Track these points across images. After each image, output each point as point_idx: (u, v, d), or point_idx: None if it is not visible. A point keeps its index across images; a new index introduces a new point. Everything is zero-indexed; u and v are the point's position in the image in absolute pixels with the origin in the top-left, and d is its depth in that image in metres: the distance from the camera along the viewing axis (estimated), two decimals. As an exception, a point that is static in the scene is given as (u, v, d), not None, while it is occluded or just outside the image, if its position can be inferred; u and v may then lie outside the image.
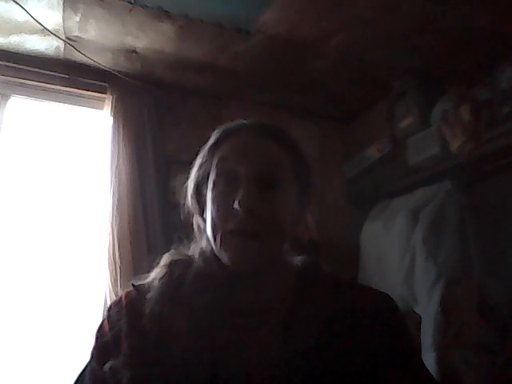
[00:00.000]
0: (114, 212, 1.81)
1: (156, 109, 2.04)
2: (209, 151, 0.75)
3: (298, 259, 0.77)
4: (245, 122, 0.76)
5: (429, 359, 1.54)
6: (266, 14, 1.63)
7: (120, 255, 1.75)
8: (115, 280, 1.72)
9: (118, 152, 1.89)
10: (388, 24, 1.66)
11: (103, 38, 1.79)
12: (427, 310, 1.65)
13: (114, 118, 1.94)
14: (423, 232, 1.74)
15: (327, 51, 1.85)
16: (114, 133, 1.92)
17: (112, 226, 1.80)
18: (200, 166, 0.75)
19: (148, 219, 1.85)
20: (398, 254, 1.85)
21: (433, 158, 1.82)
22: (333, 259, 1.92)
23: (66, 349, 1.75)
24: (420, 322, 1.68)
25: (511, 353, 1.51)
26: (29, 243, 1.89)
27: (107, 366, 0.62)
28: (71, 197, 1.99)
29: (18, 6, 1.59)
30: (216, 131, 0.76)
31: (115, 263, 1.75)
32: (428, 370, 0.70)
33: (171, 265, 0.73)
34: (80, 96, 2.02)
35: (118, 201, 1.82)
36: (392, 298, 0.73)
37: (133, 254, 1.73)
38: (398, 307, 0.72)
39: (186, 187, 0.77)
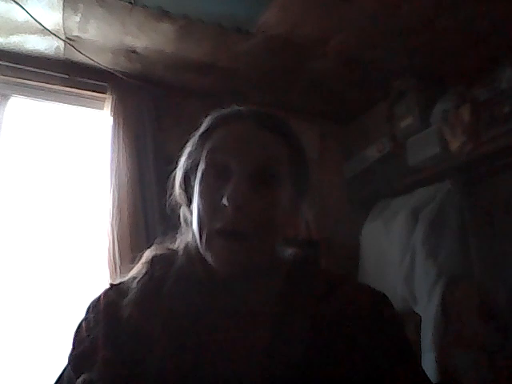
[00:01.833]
0: (114, 212, 1.81)
1: (156, 109, 2.04)
2: (199, 139, 0.69)
3: (289, 253, 0.72)
4: (240, 108, 0.70)
5: (429, 359, 1.55)
6: (266, 14, 1.63)
7: (120, 255, 1.75)
8: (115, 280, 1.72)
9: (118, 152, 1.89)
10: (388, 24, 1.66)
11: (103, 38, 1.79)
12: (427, 310, 1.65)
13: (114, 117, 1.94)
14: (423, 232, 1.74)
15: (327, 51, 1.85)
16: (113, 133, 1.92)
17: (112, 225, 1.79)
18: (189, 155, 0.70)
19: (148, 219, 1.85)
20: (398, 254, 1.85)
21: (433, 158, 1.82)
22: (333, 259, 1.93)
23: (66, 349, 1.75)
24: (420, 322, 1.68)
25: (511, 353, 1.51)
26: (29, 243, 1.89)
27: (81, 379, 0.59)
28: (71, 197, 1.99)
29: (18, 6, 1.59)
30: (208, 117, 0.71)
31: (115, 263, 1.75)
32: (423, 371, 0.67)
33: (152, 262, 0.68)
34: (80, 96, 2.02)
35: (117, 201, 1.82)
36: (387, 297, 0.69)
37: (133, 253, 1.72)
38: (393, 306, 0.68)
39: (174, 176, 0.72)
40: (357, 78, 2.04)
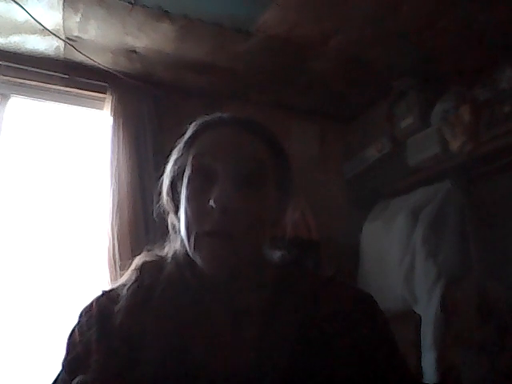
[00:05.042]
0: (114, 212, 1.81)
1: (156, 109, 2.04)
2: (185, 145, 0.71)
3: (277, 256, 0.74)
4: (223, 115, 0.72)
5: (429, 359, 1.55)
6: (266, 14, 1.63)
7: (120, 255, 1.75)
8: (115, 280, 1.72)
9: (118, 152, 1.89)
10: (388, 24, 1.66)
11: (103, 38, 1.79)
12: (427, 310, 1.65)
13: (114, 117, 1.94)
14: (423, 232, 1.74)
15: (327, 51, 1.85)
16: (113, 133, 1.92)
17: (112, 225, 1.80)
18: (175, 161, 0.71)
19: (148, 219, 1.84)
20: (397, 254, 1.85)
21: (433, 158, 1.82)
22: (333, 259, 1.93)
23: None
24: (420, 322, 1.68)
25: (511, 353, 1.51)
26: (29, 243, 1.89)
27: (75, 381, 0.60)
28: (71, 197, 1.99)
29: (18, 6, 1.59)
30: (193, 124, 0.72)
31: (115, 263, 1.75)
32: (409, 369, 0.69)
33: (142, 269, 0.70)
34: (80, 96, 2.02)
35: (117, 201, 1.82)
36: (372, 297, 0.70)
37: (133, 253, 1.72)
38: (378, 306, 0.70)
39: (161, 184, 0.74)
40: (357, 77, 2.04)
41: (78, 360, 0.63)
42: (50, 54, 1.91)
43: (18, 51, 1.88)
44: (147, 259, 0.72)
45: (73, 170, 2.02)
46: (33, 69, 1.91)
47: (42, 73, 1.93)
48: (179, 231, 0.69)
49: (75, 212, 1.98)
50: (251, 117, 0.72)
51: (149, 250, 0.75)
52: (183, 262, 0.68)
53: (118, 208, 1.82)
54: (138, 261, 0.72)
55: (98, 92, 2.00)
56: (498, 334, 1.54)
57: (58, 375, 0.66)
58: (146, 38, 1.79)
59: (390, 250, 1.91)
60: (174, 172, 0.72)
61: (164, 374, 0.59)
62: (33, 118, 2.04)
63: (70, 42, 1.81)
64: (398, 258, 1.84)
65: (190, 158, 0.68)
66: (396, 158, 2.03)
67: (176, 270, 0.68)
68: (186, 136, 0.72)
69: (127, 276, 0.70)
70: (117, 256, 1.75)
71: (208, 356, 0.62)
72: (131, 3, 1.58)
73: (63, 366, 0.65)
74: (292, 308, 0.65)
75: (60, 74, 1.95)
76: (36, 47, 1.86)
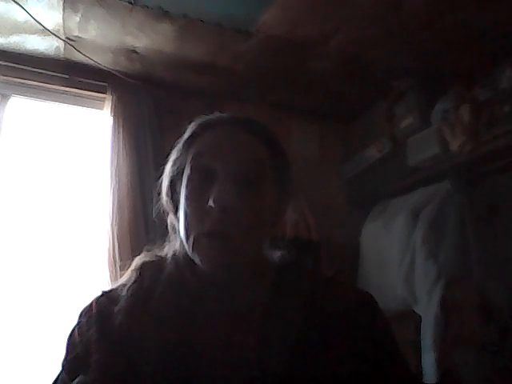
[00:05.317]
0: (114, 212, 1.81)
1: (156, 109, 2.04)
2: (184, 145, 0.71)
3: (276, 255, 0.74)
4: (222, 115, 0.72)
5: (429, 359, 1.55)
6: (266, 14, 1.63)
7: (120, 255, 1.75)
8: (115, 280, 1.72)
9: (118, 152, 1.89)
10: (388, 24, 1.66)
11: (103, 38, 1.79)
12: (427, 310, 1.65)
13: (114, 117, 1.94)
14: (423, 232, 1.74)
15: (327, 51, 1.85)
16: (113, 133, 1.92)
17: (112, 225, 1.80)
18: (175, 162, 0.72)
19: (148, 219, 1.84)
20: (397, 254, 1.85)
21: (433, 158, 1.82)
22: (333, 259, 1.93)
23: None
24: (420, 322, 1.68)
25: (511, 353, 1.51)
26: (29, 243, 1.89)
27: (75, 381, 0.60)
28: (71, 197, 1.99)
29: (18, 6, 1.59)
30: (192, 124, 0.72)
31: (115, 263, 1.75)
32: (409, 368, 0.69)
33: (142, 270, 0.70)
34: (80, 96, 2.02)
35: (117, 201, 1.82)
36: (372, 297, 0.70)
37: (133, 254, 1.72)
38: (378, 306, 0.70)
39: (161, 184, 0.74)
40: (357, 77, 2.04)
41: (77, 360, 0.63)
42: (50, 54, 1.90)
43: (18, 51, 1.88)
44: (147, 259, 0.72)
45: (73, 170, 2.02)
46: (33, 69, 1.91)
47: (42, 73, 1.92)
48: (179, 231, 0.69)
49: (75, 212, 1.98)
50: (251, 117, 0.72)
51: (149, 250, 0.75)
52: (183, 262, 0.69)
53: (118, 208, 1.82)
54: (137, 261, 0.72)
55: (97, 92, 2.00)
56: (498, 333, 1.54)
57: (58, 375, 0.66)
58: (146, 38, 1.79)
59: (390, 250, 1.91)
60: (173, 172, 0.72)
61: (164, 374, 0.59)
62: (33, 117, 2.04)
63: (70, 42, 1.81)
64: (398, 258, 1.84)
65: (190, 158, 0.68)
66: (396, 158, 2.04)
67: (176, 271, 0.68)
68: (186, 136, 0.72)
69: (127, 276, 0.70)
70: (117, 256, 1.75)
71: (208, 356, 0.62)
72: (131, 3, 1.58)
73: (63, 366, 0.65)
74: (292, 308, 0.65)
75: (60, 74, 1.95)
76: (36, 47, 1.86)
